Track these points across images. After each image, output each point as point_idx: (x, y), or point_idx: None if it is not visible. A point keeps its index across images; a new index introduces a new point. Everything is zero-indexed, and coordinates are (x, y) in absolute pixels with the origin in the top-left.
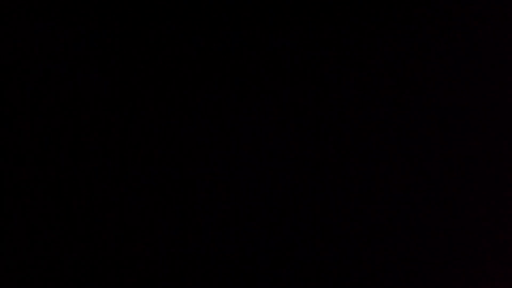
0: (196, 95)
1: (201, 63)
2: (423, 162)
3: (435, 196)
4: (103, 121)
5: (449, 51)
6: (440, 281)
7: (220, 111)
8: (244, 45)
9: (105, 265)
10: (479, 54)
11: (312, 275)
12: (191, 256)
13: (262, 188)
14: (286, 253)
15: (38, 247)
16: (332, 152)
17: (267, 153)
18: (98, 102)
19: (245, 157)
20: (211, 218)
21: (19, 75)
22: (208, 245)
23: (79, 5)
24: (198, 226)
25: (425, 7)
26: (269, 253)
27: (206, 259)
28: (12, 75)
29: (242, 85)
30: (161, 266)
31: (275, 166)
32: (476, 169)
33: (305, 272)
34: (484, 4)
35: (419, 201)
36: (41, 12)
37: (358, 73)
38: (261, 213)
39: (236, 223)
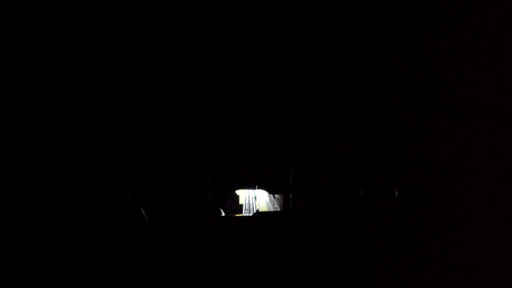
0: (194, 94)
1: (199, 62)
2: (424, 162)
3: (435, 196)
4: (102, 120)
5: (449, 50)
6: (440, 281)
7: (219, 110)
8: (243, 44)
9: (104, 265)
10: (479, 54)
11: (312, 275)
12: (190, 256)
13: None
14: (286, 253)
15: (37, 246)
16: (332, 151)
17: (267, 152)
18: (98, 102)
19: (245, 156)
20: (209, 218)
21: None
22: (208, 245)
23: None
24: (196, 225)
25: (425, 7)
26: (268, 253)
27: (205, 259)
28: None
29: (242, 84)
30: (160, 266)
31: (275, 165)
32: (476, 169)
33: (305, 272)
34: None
35: (418, 201)
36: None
37: (358, 73)
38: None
39: (235, 223)
